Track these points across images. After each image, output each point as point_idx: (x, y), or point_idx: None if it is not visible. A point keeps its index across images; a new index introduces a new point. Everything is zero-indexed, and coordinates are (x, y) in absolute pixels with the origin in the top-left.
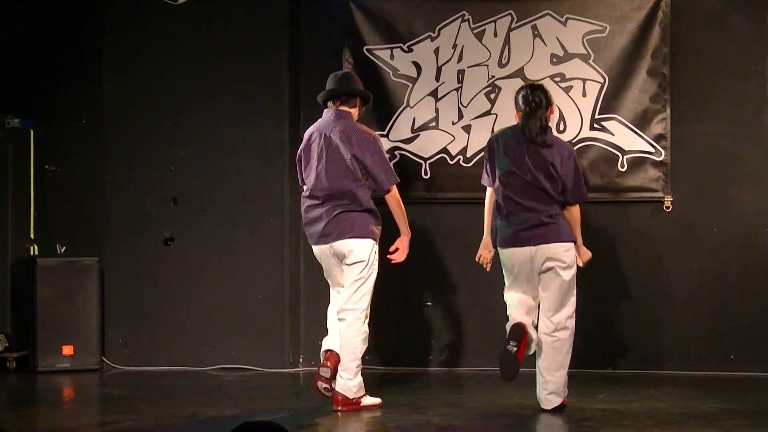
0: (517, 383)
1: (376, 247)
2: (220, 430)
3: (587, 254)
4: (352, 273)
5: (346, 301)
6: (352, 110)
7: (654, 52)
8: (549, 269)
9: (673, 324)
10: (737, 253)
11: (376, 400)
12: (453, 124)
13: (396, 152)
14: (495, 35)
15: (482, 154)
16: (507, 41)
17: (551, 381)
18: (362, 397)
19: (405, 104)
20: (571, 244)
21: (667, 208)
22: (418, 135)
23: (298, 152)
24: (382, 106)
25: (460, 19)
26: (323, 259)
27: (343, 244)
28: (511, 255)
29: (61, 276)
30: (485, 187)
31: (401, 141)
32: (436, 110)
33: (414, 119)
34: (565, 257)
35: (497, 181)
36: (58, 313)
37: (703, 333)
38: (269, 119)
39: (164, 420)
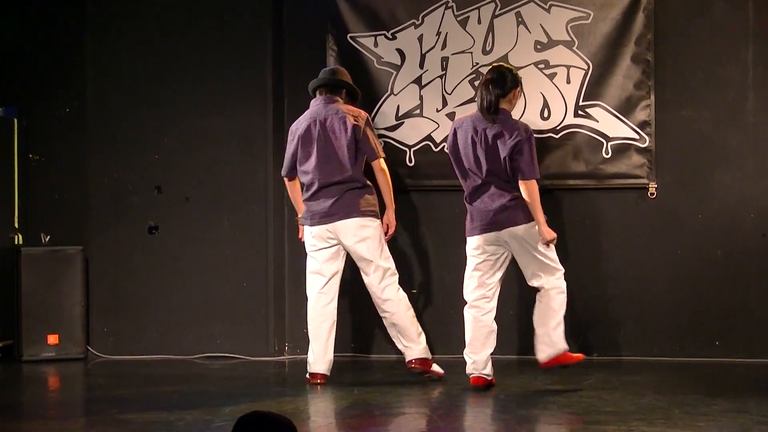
0: (499, 371)
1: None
2: (206, 418)
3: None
4: (363, 250)
5: (381, 280)
6: (339, 99)
7: (638, 38)
8: None
9: (657, 310)
10: (721, 239)
11: (441, 371)
12: (437, 111)
13: (380, 140)
14: (479, 22)
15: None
16: (491, 28)
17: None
18: (431, 361)
19: (389, 92)
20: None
21: (652, 194)
22: (403, 123)
23: (293, 144)
24: (366, 93)
25: (443, 7)
26: (318, 241)
27: (350, 222)
28: None
29: (45, 265)
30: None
31: (386, 129)
32: (420, 98)
33: (398, 107)
34: None
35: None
36: (42, 302)
37: (687, 319)
38: (252, 107)
39: (149, 409)
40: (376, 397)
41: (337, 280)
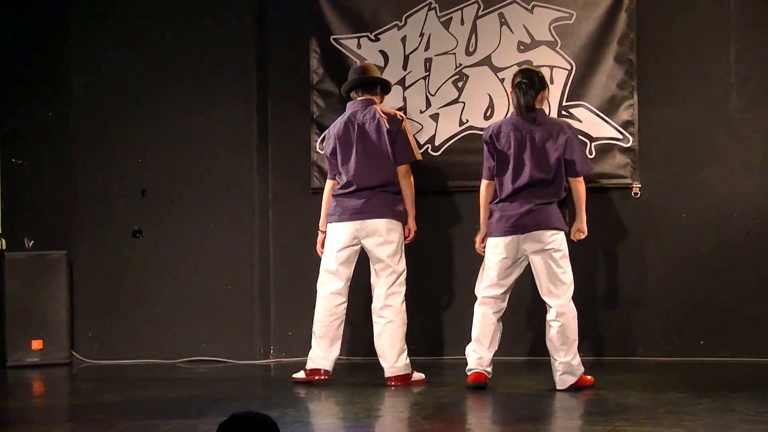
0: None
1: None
2: (191, 422)
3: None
4: (384, 252)
5: (391, 285)
6: (375, 98)
7: (621, 38)
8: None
9: (643, 310)
10: (706, 237)
11: (422, 376)
12: (421, 112)
13: None
14: (462, 23)
15: (451, 142)
16: (474, 29)
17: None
18: (411, 373)
19: None
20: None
21: (636, 194)
22: None
23: (330, 146)
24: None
25: (426, 8)
26: (343, 239)
27: (381, 223)
28: None
29: (29, 270)
30: (489, 171)
31: None
32: (404, 99)
33: None
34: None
35: None
36: (26, 307)
37: (673, 318)
38: (237, 109)
39: (134, 413)
40: (362, 399)
41: (349, 283)
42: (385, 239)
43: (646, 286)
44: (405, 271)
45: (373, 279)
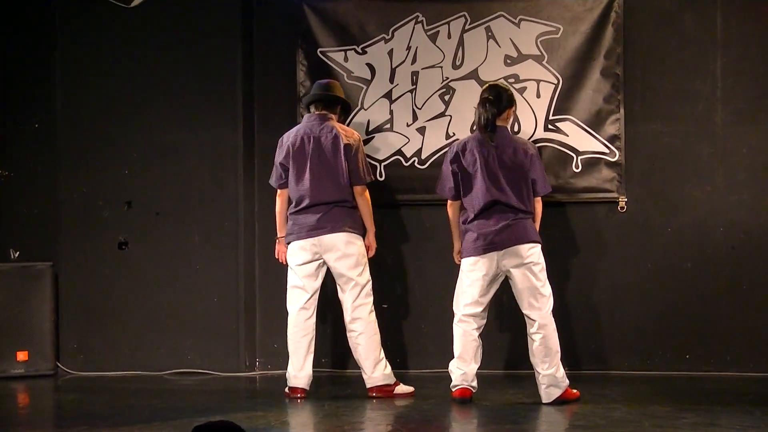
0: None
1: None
2: None
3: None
4: (344, 267)
5: (356, 298)
6: (333, 116)
7: (607, 52)
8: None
9: (628, 324)
10: (691, 252)
11: (409, 389)
12: (407, 126)
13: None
14: (449, 37)
15: (437, 155)
16: (461, 43)
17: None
18: (395, 384)
19: (359, 106)
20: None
21: (622, 208)
22: (373, 137)
23: (282, 156)
24: None
25: (413, 21)
26: (303, 255)
27: (338, 237)
28: None
29: (14, 281)
30: (453, 191)
31: None
32: (391, 112)
33: (368, 121)
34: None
35: None
36: (11, 318)
37: (658, 332)
38: (223, 122)
39: (119, 425)
40: (347, 412)
41: (317, 296)
42: (343, 253)
43: (631, 300)
44: (370, 282)
45: (339, 294)
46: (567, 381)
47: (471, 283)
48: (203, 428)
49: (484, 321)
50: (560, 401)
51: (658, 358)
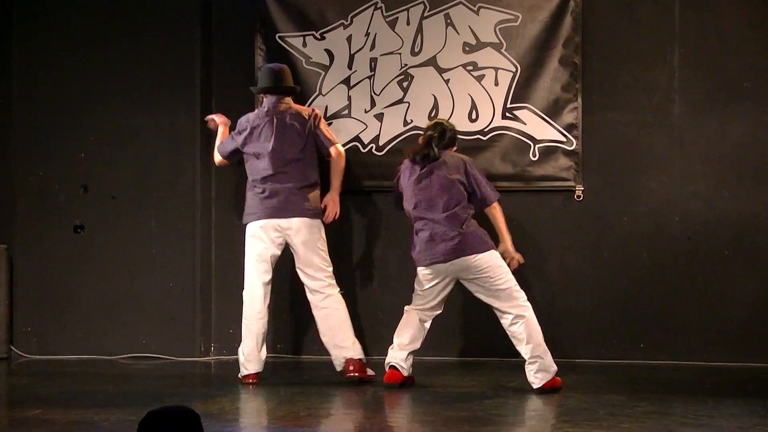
0: (427, 372)
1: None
2: (130, 418)
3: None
4: (309, 250)
5: (322, 281)
6: (289, 99)
7: (565, 41)
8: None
9: (584, 313)
10: (647, 242)
11: (372, 373)
12: (365, 112)
13: None
14: (408, 23)
15: (395, 142)
16: (420, 29)
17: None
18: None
19: (317, 92)
20: None
21: (578, 197)
22: (331, 123)
23: (241, 137)
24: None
25: (372, 7)
26: (264, 236)
27: (301, 222)
28: None
29: None
30: (397, 176)
31: None
32: (349, 98)
33: (326, 107)
34: None
35: None
36: None
37: (613, 322)
38: (180, 106)
39: (73, 408)
40: (303, 398)
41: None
42: (306, 237)
43: (587, 289)
44: (329, 266)
45: (302, 278)
46: (555, 366)
47: (421, 290)
48: (157, 413)
49: (435, 314)
50: (553, 389)
51: (612, 347)
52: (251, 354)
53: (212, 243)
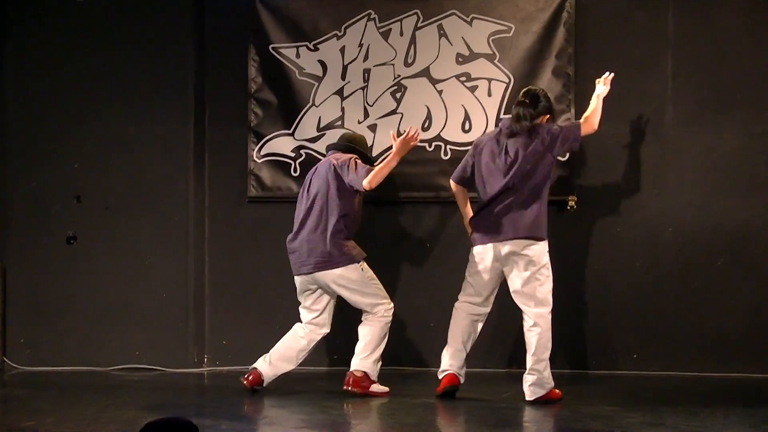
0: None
1: None
2: (123, 430)
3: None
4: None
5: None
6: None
7: (559, 52)
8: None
9: (575, 322)
10: (640, 252)
11: (384, 389)
12: (359, 123)
13: (302, 151)
14: (401, 34)
15: (388, 153)
16: (413, 40)
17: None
18: (372, 382)
19: (311, 103)
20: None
21: (571, 207)
22: (324, 134)
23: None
24: (288, 105)
25: (366, 18)
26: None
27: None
28: None
29: None
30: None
31: (307, 140)
32: (342, 109)
33: (320, 118)
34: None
35: None
36: None
37: (605, 331)
38: (174, 116)
39: (66, 421)
40: (298, 410)
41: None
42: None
43: (579, 299)
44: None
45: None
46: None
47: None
48: (156, 425)
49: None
50: (542, 401)
51: (605, 358)
52: None
53: (205, 253)
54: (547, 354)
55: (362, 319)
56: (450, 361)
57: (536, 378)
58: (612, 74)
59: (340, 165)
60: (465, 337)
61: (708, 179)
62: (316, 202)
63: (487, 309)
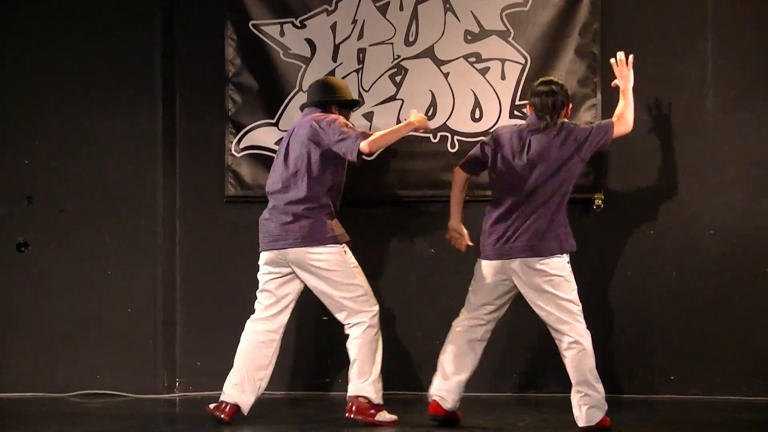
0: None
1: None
2: None
3: None
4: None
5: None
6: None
7: (582, 28)
8: None
9: (603, 340)
10: (676, 258)
11: (392, 417)
12: (353, 111)
13: None
14: (401, 9)
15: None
16: (414, 16)
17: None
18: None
19: (297, 88)
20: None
21: (598, 206)
22: None
23: None
24: (272, 89)
25: None
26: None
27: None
28: None
29: None
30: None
31: None
32: None
33: None
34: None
35: None
36: None
37: (638, 350)
38: (139, 105)
39: None
40: None
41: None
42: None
43: (608, 312)
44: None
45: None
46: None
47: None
48: None
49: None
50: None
51: (638, 380)
52: None
53: (176, 261)
54: (594, 369)
55: (346, 332)
56: (437, 386)
57: (593, 399)
58: (632, 56)
59: (323, 128)
60: (454, 367)
61: (752, 175)
62: (298, 172)
63: (488, 328)
